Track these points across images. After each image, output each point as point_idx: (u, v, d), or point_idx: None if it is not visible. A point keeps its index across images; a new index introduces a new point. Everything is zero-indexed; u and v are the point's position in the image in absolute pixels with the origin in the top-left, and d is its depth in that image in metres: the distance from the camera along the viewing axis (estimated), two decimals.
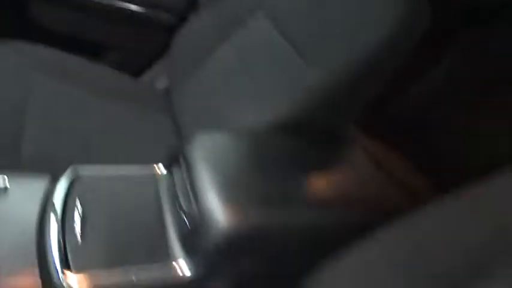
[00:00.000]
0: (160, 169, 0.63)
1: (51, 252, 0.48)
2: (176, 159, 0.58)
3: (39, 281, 0.46)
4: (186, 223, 0.53)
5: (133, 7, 1.05)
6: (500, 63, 1.01)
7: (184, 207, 0.53)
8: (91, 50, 1.06)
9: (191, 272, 0.51)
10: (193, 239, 0.52)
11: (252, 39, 0.87)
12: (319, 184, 0.61)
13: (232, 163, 0.57)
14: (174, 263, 0.52)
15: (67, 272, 0.47)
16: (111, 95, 0.92)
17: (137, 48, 1.11)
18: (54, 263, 0.48)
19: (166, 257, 0.52)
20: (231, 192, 0.51)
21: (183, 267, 0.52)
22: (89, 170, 0.59)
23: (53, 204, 0.52)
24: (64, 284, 0.46)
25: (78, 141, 0.77)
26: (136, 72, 1.12)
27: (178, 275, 0.51)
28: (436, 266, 0.45)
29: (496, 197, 0.47)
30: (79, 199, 0.53)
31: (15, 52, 0.90)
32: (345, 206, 0.60)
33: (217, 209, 0.50)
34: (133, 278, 0.49)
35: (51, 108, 0.82)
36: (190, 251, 0.52)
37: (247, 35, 0.88)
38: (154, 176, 0.61)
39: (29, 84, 0.84)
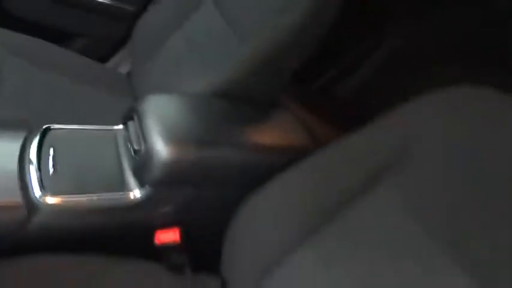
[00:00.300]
0: (119, 126, 0.78)
1: (31, 181, 0.62)
2: (130, 115, 0.73)
3: (23, 202, 0.61)
4: (137, 160, 0.68)
5: None
6: (433, 45, 1.21)
7: (136, 148, 0.68)
8: (57, 37, 1.18)
9: (142, 197, 0.66)
10: (142, 172, 0.67)
11: (201, 25, 1.02)
12: (248, 132, 0.77)
13: (176, 114, 0.73)
14: (128, 191, 0.67)
15: (44, 196, 0.62)
16: (79, 79, 1.05)
17: (102, 35, 1.25)
18: (33, 189, 0.62)
19: (122, 186, 0.67)
20: (173, 135, 0.67)
21: (136, 194, 0.67)
22: (59, 127, 0.74)
23: (30, 147, 0.66)
24: (42, 202, 0.60)
25: (46, 118, 0.90)
26: (102, 58, 1.25)
27: (132, 200, 0.66)
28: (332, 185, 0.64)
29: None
30: (51, 144, 0.68)
31: None
32: (268, 149, 0.77)
33: (160, 147, 0.65)
34: (96, 201, 0.64)
35: (21, 87, 0.93)
36: (141, 182, 0.67)
37: (197, 21, 1.04)
38: (113, 130, 0.76)
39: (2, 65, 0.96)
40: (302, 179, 0.69)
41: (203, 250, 0.73)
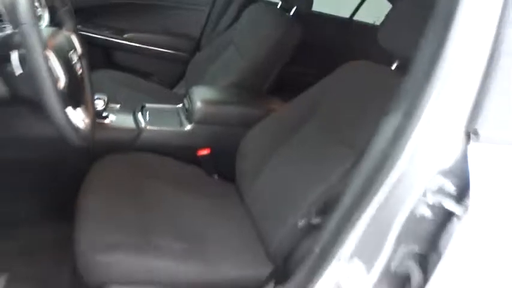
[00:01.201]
0: (179, 105, 1.49)
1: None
2: (185, 96, 1.45)
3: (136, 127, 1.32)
4: (187, 112, 1.38)
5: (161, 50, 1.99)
6: None
7: (187, 107, 1.39)
8: (141, 75, 1.97)
9: (190, 129, 1.35)
10: (190, 116, 1.37)
11: (224, 55, 1.77)
12: (244, 101, 1.45)
13: (206, 92, 1.43)
14: (185, 126, 1.36)
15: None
16: (153, 95, 1.77)
17: (168, 73, 2.04)
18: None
19: (182, 125, 1.36)
20: (203, 99, 1.37)
21: (188, 127, 1.36)
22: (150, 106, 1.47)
23: None
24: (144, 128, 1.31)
25: None
26: (171, 86, 2.03)
27: (186, 130, 1.35)
28: None
29: None
30: None
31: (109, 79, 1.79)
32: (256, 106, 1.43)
33: (197, 103, 1.35)
34: (167, 131, 1.34)
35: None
36: (189, 121, 1.37)
37: (223, 59, 1.78)
38: (177, 108, 1.47)
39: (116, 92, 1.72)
40: (273, 121, 1.33)
41: (224, 163, 1.36)
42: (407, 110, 0.69)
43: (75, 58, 0.90)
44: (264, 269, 1.02)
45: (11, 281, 1.10)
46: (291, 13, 1.62)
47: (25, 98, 0.80)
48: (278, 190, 1.15)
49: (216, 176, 1.38)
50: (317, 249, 0.80)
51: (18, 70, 0.75)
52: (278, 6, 1.72)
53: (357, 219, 0.72)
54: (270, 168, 1.22)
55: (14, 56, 0.74)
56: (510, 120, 0.67)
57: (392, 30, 1.08)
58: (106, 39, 1.90)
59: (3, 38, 0.79)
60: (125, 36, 1.94)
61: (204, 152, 1.37)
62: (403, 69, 1.11)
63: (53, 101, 0.73)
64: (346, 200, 0.77)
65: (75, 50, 0.93)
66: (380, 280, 0.72)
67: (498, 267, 0.72)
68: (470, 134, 0.66)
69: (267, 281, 1.02)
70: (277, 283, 1.02)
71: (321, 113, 1.22)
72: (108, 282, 0.91)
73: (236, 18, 1.89)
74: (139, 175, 1.18)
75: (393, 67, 1.15)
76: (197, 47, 2.01)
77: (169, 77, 2.05)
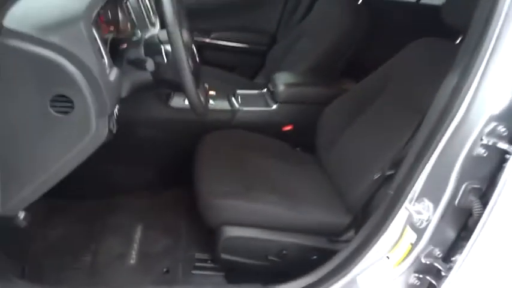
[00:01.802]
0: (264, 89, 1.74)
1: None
2: (268, 81, 1.69)
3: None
4: (272, 94, 1.62)
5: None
6: None
7: (272, 90, 1.64)
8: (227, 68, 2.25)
9: (275, 108, 1.59)
10: (274, 97, 1.61)
11: (300, 49, 1.98)
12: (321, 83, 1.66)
13: (286, 76, 1.67)
14: (271, 106, 1.61)
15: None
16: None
17: (248, 66, 2.30)
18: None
19: (269, 105, 1.62)
20: (284, 82, 1.61)
21: (273, 107, 1.60)
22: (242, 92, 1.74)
23: None
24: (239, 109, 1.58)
25: None
26: (251, 77, 2.29)
27: (272, 109, 1.60)
28: None
29: None
30: None
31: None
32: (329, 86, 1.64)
33: (280, 86, 1.59)
34: (257, 111, 1.59)
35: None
36: (274, 101, 1.61)
37: (298, 48, 2.00)
38: (263, 92, 1.73)
39: None
40: (347, 98, 1.52)
41: (305, 138, 1.59)
42: (464, 68, 0.86)
43: (195, 51, 1.19)
44: (345, 218, 1.22)
45: (145, 229, 1.44)
46: (359, 1, 1.79)
47: (166, 81, 1.09)
48: (354, 154, 1.35)
49: (298, 149, 1.61)
50: (391, 192, 0.98)
51: (163, 61, 1.04)
52: None
53: (425, 163, 0.90)
54: (346, 138, 1.42)
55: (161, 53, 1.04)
56: None
57: (455, 6, 1.19)
58: (196, 40, 2.21)
59: (151, 39, 1.10)
60: (212, 36, 2.24)
61: (288, 128, 1.61)
62: None
63: (189, 81, 1.00)
64: (415, 148, 0.94)
65: (193, 45, 1.21)
66: (445, 215, 0.87)
67: None
68: None
69: (348, 228, 1.22)
70: (357, 230, 1.22)
71: (391, 87, 1.38)
72: (222, 223, 1.18)
73: (308, 10, 2.09)
74: (239, 147, 1.45)
75: (457, 41, 1.28)
76: (274, 40, 2.25)
77: (249, 69, 2.32)
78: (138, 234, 1.41)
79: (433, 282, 0.94)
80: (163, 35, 1.09)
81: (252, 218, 1.18)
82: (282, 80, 1.62)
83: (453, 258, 0.92)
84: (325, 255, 1.11)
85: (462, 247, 0.91)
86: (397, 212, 0.95)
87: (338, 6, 1.85)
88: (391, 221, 0.96)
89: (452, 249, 0.92)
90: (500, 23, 0.79)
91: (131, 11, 1.28)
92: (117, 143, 0.98)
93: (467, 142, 0.84)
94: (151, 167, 1.58)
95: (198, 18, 2.15)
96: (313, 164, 1.49)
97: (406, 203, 0.93)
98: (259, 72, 2.28)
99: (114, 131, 0.95)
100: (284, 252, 1.17)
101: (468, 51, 0.86)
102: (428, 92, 1.21)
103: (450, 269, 0.91)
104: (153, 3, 1.46)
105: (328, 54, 1.76)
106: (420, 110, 1.17)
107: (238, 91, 1.70)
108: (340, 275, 1.01)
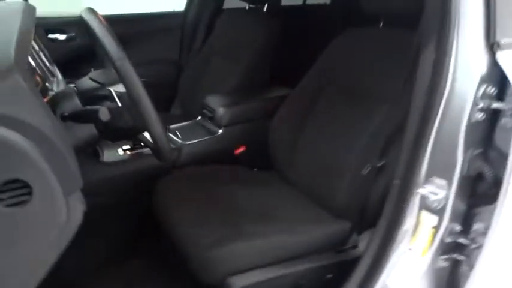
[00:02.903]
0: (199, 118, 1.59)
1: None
2: (202, 107, 1.56)
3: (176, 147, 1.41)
4: (212, 120, 1.49)
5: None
6: None
7: (210, 116, 1.50)
8: None
9: (221, 133, 1.47)
10: (217, 122, 1.48)
11: (215, 70, 1.89)
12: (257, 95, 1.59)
13: (220, 99, 1.55)
14: (216, 132, 1.48)
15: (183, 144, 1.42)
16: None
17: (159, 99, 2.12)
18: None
19: (214, 132, 1.48)
20: (222, 105, 1.49)
21: (219, 131, 1.47)
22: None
23: None
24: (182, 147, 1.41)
25: None
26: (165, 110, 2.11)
27: (218, 134, 1.47)
28: None
29: None
30: None
31: None
32: (267, 100, 1.57)
33: (220, 110, 1.47)
34: (204, 142, 1.44)
35: None
36: (218, 127, 1.48)
37: (212, 69, 1.90)
38: (198, 120, 1.58)
39: None
40: (291, 103, 1.47)
41: (259, 156, 1.49)
42: (438, 43, 0.87)
43: None
44: (343, 223, 1.16)
45: None
46: (264, 9, 1.78)
47: (120, 129, 0.88)
48: (322, 158, 1.29)
49: (255, 170, 1.51)
50: (398, 180, 0.94)
51: (115, 105, 0.84)
52: (247, 8, 1.87)
53: (426, 141, 0.88)
54: (305, 143, 1.36)
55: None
56: None
57: None
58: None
59: (82, 84, 0.89)
60: None
61: (241, 149, 1.49)
62: (389, 25, 1.30)
63: (157, 119, 0.83)
64: (410, 131, 0.92)
65: None
66: (459, 187, 0.86)
67: None
68: (494, 45, 0.84)
69: (350, 232, 1.16)
70: (360, 232, 1.17)
71: (335, 80, 1.37)
72: (226, 275, 1.01)
73: (208, 31, 2.01)
74: (200, 185, 1.28)
75: (380, 25, 1.33)
76: (180, 69, 2.11)
77: (161, 102, 2.13)
78: None
79: (461, 258, 0.92)
80: (100, 76, 0.89)
81: (256, 258, 1.04)
82: (219, 103, 1.51)
83: (474, 228, 0.92)
84: (340, 270, 1.04)
85: (478, 214, 0.93)
86: (410, 199, 0.91)
87: (244, 19, 1.82)
88: (405, 211, 0.92)
89: (468, 219, 0.93)
90: None
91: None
92: None
93: (465, 110, 0.85)
94: (106, 239, 1.30)
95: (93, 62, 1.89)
96: (279, 182, 1.41)
97: (417, 188, 0.90)
98: (173, 104, 2.12)
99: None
100: (300, 282, 1.06)
101: (434, 25, 0.87)
102: (382, 77, 1.25)
103: (474, 240, 0.91)
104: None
105: (251, 69, 1.70)
106: (382, 98, 1.20)
107: (172, 126, 1.53)
108: (370, 285, 0.94)
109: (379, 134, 1.16)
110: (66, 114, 0.84)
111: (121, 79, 0.81)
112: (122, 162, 1.34)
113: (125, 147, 1.37)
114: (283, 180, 1.40)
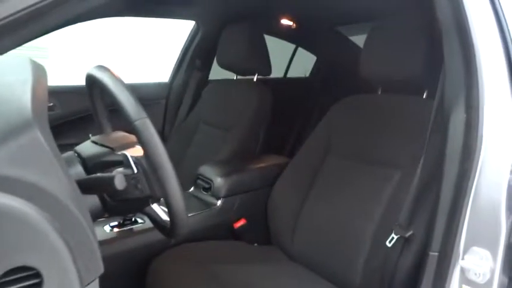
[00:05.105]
0: (191, 189, 1.47)
1: None
2: (197, 178, 1.44)
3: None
4: (210, 191, 1.37)
5: None
6: None
7: (206, 186, 1.38)
8: None
9: (220, 205, 1.34)
10: (215, 193, 1.36)
11: (203, 140, 1.81)
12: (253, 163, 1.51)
13: (215, 167, 1.45)
14: (215, 204, 1.35)
15: None
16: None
17: None
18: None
19: (212, 206, 1.35)
20: (219, 176, 1.38)
21: (218, 203, 1.35)
22: None
23: None
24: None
25: None
26: None
27: (217, 206, 1.34)
28: None
29: None
30: None
31: None
32: (266, 168, 1.49)
33: (217, 181, 1.36)
34: (203, 215, 1.31)
35: None
36: (217, 198, 1.36)
37: (200, 140, 1.82)
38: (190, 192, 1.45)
39: None
40: (291, 172, 1.40)
41: (259, 229, 1.37)
42: (467, 104, 0.85)
43: None
44: None
45: None
46: (255, 79, 1.78)
47: (133, 200, 0.75)
48: (331, 228, 1.20)
49: (256, 245, 1.37)
50: (435, 253, 0.86)
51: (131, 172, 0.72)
52: (235, 78, 1.86)
53: (464, 209, 0.82)
54: (310, 214, 1.28)
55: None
56: None
57: (371, 61, 1.26)
58: None
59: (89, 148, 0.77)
60: None
61: (241, 223, 1.37)
62: (387, 91, 1.31)
63: (178, 188, 0.71)
64: (444, 199, 0.86)
65: None
66: (504, 258, 0.78)
67: None
68: None
69: None
70: None
71: (338, 146, 1.33)
72: None
73: (195, 101, 1.97)
74: (200, 265, 1.14)
75: (379, 92, 1.33)
76: (163, 139, 2.01)
77: None
78: None
79: None
80: (105, 140, 0.79)
81: None
82: (215, 173, 1.40)
83: None
84: None
85: None
86: (450, 273, 0.83)
87: (235, 88, 1.80)
88: (445, 286, 0.83)
89: None
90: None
91: None
92: None
93: (504, 171, 0.82)
94: None
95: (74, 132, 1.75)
96: (282, 258, 1.28)
97: (457, 260, 0.83)
98: None
99: None
100: None
101: (459, 86, 0.87)
102: (388, 143, 1.22)
103: None
104: None
105: (245, 137, 1.64)
106: (393, 164, 1.16)
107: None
108: None
109: (393, 202, 1.10)
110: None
111: (141, 141, 0.70)
112: (109, 241, 1.17)
113: (112, 223, 1.21)
114: (286, 255, 1.29)
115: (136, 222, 1.24)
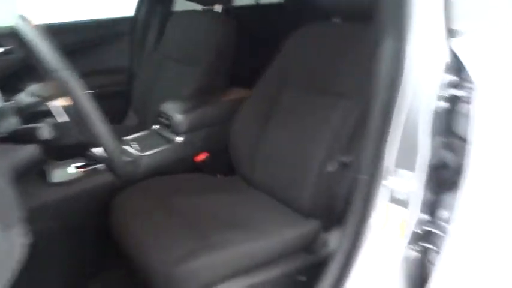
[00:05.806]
0: (156, 126, 1.51)
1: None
2: (158, 114, 1.47)
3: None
4: (171, 127, 1.42)
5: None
6: None
7: (166, 123, 1.42)
8: None
9: (181, 141, 1.39)
10: (175, 130, 1.40)
11: (171, 75, 1.81)
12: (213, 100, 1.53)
13: (177, 105, 1.47)
14: (176, 140, 1.40)
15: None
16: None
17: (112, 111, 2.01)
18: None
19: (173, 141, 1.40)
20: (180, 111, 1.41)
21: (178, 139, 1.40)
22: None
23: None
24: (139, 159, 1.32)
25: None
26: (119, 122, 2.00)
27: (178, 142, 1.39)
28: None
29: None
30: None
31: None
32: (227, 102, 1.52)
33: (178, 117, 1.39)
34: (164, 151, 1.37)
35: None
36: (177, 134, 1.40)
37: (167, 75, 1.82)
38: (154, 129, 1.49)
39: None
40: (251, 105, 1.42)
41: (221, 162, 1.43)
42: (396, 34, 0.85)
43: None
44: (311, 223, 1.13)
45: None
46: (220, 10, 1.72)
47: (66, 147, 0.80)
48: (286, 158, 1.26)
49: (219, 176, 1.45)
50: (363, 176, 0.93)
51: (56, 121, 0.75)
52: (201, 9, 1.80)
53: (390, 134, 0.87)
54: (268, 144, 1.32)
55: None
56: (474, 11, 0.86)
57: None
58: None
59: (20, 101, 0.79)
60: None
61: (202, 157, 1.43)
62: (344, 20, 1.29)
63: (107, 132, 0.75)
64: (372, 125, 0.90)
65: None
66: (425, 178, 0.85)
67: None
68: (451, 32, 0.84)
69: (319, 231, 1.13)
70: (328, 229, 1.14)
71: (294, 78, 1.34)
72: None
73: (160, 34, 1.93)
74: (161, 197, 1.21)
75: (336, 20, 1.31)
76: (131, 76, 2.01)
77: (115, 114, 2.02)
78: None
79: (434, 248, 0.92)
80: (42, 90, 0.81)
81: (227, 269, 0.98)
82: (175, 110, 1.43)
83: (442, 216, 0.92)
84: (313, 271, 1.00)
85: (443, 201, 0.93)
86: (377, 193, 0.90)
87: (198, 20, 1.75)
88: (373, 205, 0.91)
89: (435, 208, 0.93)
90: None
91: None
92: None
93: (428, 100, 0.84)
94: (62, 267, 1.19)
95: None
96: (243, 187, 1.36)
97: (384, 181, 0.89)
98: (126, 115, 2.02)
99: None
100: None
101: (391, 16, 0.86)
102: (339, 72, 1.23)
103: (440, 227, 0.91)
104: None
105: (211, 71, 1.63)
106: (340, 93, 1.18)
107: (126, 138, 1.44)
108: (344, 283, 0.93)
109: (341, 130, 1.14)
110: (4, 134, 0.75)
111: (66, 89, 0.73)
112: (74, 181, 1.24)
113: (76, 164, 1.27)
114: (248, 184, 1.36)
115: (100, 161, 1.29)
